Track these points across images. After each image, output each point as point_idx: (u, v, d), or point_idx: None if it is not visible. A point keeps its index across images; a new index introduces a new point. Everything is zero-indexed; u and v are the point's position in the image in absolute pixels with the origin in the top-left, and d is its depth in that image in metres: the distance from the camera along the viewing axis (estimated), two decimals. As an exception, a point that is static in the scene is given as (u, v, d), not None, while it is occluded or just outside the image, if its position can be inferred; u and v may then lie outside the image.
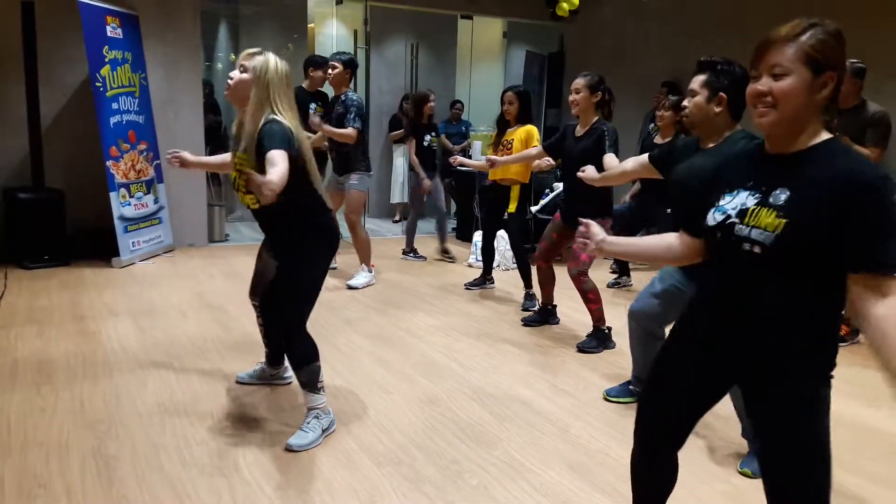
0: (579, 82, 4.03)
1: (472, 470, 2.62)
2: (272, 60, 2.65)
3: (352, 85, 5.32)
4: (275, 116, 2.59)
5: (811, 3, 3.82)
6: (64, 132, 5.89)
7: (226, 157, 3.14)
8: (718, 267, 1.66)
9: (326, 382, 3.42)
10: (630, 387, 3.34)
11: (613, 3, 7.90)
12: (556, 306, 4.62)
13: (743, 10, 6.15)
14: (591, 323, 4.14)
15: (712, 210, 1.62)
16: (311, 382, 2.79)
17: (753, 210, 1.53)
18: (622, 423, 3.09)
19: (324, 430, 2.82)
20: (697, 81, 2.73)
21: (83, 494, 2.34)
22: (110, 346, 3.82)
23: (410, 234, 6.58)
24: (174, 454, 2.64)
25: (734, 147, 2.65)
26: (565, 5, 7.48)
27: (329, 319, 4.47)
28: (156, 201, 6.13)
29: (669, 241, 1.86)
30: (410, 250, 6.56)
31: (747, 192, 1.56)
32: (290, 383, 3.32)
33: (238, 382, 3.30)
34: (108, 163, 5.55)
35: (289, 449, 2.71)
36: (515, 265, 5.31)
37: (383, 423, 3.00)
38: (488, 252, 5.49)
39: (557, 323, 4.59)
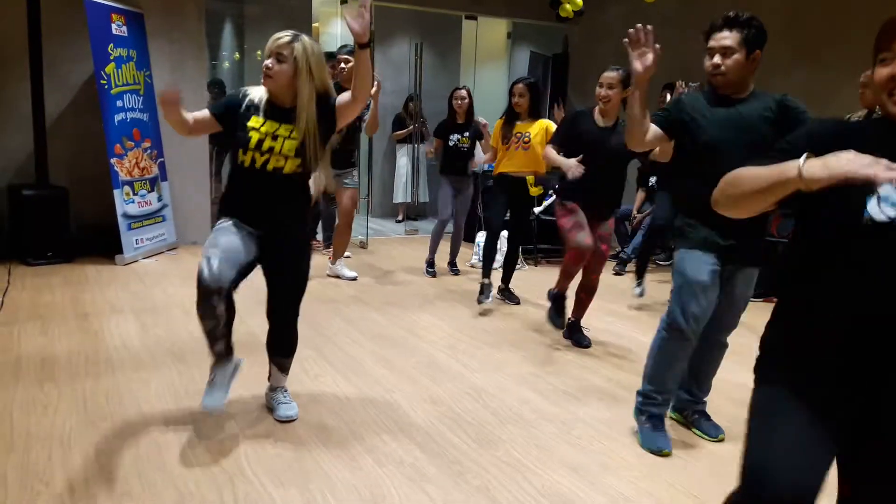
0: (614, 77, 3.79)
1: (474, 470, 2.62)
2: (308, 47, 2.64)
3: None
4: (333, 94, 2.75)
5: (812, 3, 3.81)
6: (68, 130, 5.90)
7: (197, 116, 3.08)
8: (870, 274, 1.35)
9: (328, 382, 3.44)
10: (669, 416, 3.02)
11: (618, 5, 7.89)
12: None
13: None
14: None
15: (870, 201, 1.33)
16: (289, 366, 3.03)
17: None
18: (624, 425, 3.09)
19: None
20: (733, 39, 2.68)
21: (86, 491, 2.35)
22: (113, 343, 3.83)
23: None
24: (176, 452, 2.64)
25: (765, 101, 2.68)
26: (569, 6, 7.48)
27: (331, 319, 4.47)
28: (159, 199, 6.14)
29: None
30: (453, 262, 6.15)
31: None
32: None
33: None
34: (112, 160, 5.56)
35: (289, 420, 2.94)
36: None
37: (385, 422, 3.00)
38: (492, 253, 5.00)
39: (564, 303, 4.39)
